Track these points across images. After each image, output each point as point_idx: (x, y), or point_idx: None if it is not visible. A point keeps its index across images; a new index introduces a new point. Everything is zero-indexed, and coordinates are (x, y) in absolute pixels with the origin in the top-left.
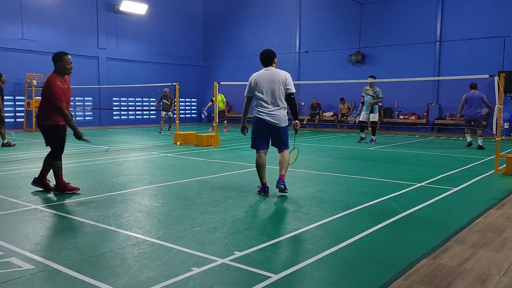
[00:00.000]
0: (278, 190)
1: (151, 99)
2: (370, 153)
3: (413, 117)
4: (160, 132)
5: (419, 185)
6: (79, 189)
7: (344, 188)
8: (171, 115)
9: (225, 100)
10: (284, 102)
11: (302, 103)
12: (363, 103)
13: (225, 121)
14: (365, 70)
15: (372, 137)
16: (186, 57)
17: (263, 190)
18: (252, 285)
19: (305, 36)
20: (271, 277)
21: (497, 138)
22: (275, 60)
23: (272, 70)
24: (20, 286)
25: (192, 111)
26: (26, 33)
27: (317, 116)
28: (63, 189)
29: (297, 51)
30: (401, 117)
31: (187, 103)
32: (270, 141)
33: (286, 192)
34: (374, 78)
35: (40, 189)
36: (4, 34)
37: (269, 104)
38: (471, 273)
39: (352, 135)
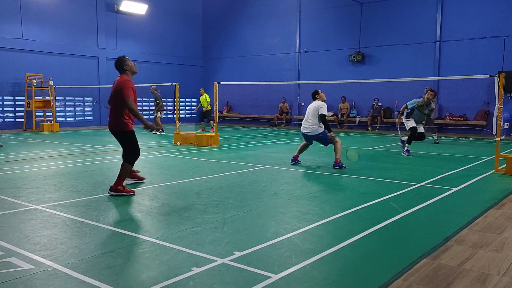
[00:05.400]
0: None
1: (150, 99)
2: (370, 153)
3: None
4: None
5: (419, 185)
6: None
7: (344, 188)
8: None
9: (209, 100)
10: (316, 121)
11: (302, 103)
12: (406, 114)
13: (211, 122)
14: (365, 70)
15: (407, 145)
16: (186, 57)
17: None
18: (252, 285)
19: (305, 36)
20: (271, 277)
21: (497, 138)
22: (316, 96)
23: (313, 102)
24: (20, 286)
25: (192, 111)
26: (25, 33)
27: None
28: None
29: (297, 51)
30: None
31: (187, 103)
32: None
33: (344, 168)
34: (435, 95)
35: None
36: (4, 34)
37: (306, 121)
38: (471, 273)
39: (352, 135)
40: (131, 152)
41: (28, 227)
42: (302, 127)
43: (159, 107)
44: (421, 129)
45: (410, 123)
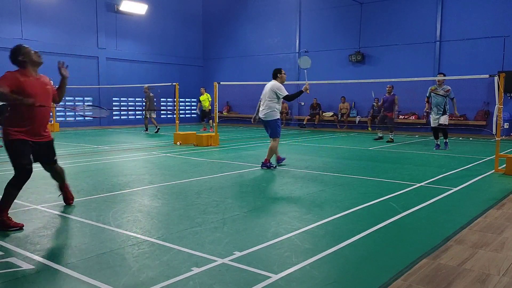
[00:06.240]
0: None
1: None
2: (370, 153)
3: (413, 117)
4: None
5: (419, 185)
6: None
7: (344, 188)
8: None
9: (210, 100)
10: (270, 103)
11: (302, 103)
12: (428, 102)
13: (210, 121)
14: (365, 70)
15: (445, 140)
16: (185, 57)
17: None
18: (252, 285)
19: (305, 36)
20: (271, 277)
21: (497, 138)
22: (279, 75)
23: (270, 82)
24: (20, 286)
25: (192, 111)
26: (25, 33)
27: (317, 116)
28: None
29: (297, 51)
30: (401, 117)
31: (186, 103)
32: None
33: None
34: (444, 75)
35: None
36: (3, 34)
37: (262, 105)
38: (471, 273)
39: (352, 135)
40: (14, 170)
41: (28, 227)
42: (260, 112)
43: (147, 106)
44: (442, 119)
45: (431, 119)
